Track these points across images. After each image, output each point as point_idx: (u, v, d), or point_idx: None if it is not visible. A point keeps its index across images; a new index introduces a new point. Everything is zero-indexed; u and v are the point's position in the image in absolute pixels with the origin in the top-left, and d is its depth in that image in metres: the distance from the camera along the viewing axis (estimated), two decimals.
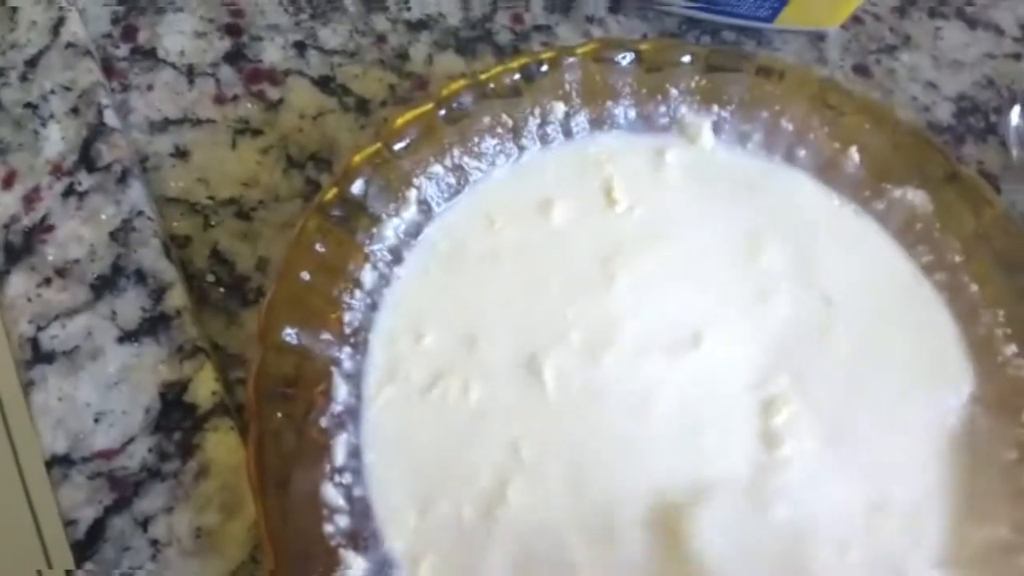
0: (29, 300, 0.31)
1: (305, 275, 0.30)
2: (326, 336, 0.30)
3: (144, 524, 0.28)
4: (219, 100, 0.38)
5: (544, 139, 0.35)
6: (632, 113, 0.36)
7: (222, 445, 0.29)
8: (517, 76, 0.35)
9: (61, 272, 0.31)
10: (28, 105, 0.35)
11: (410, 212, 0.33)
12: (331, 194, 0.31)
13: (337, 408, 0.29)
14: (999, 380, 0.32)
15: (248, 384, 0.27)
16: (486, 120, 0.34)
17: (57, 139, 0.34)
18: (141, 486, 0.28)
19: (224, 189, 0.36)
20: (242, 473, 0.29)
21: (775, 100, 0.36)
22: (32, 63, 0.36)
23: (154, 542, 0.28)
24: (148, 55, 0.39)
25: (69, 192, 0.33)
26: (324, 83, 0.39)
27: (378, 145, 0.32)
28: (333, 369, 0.29)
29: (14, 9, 0.37)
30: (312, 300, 0.30)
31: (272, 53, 0.39)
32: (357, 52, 0.40)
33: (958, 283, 0.34)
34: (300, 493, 0.27)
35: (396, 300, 0.32)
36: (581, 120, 0.36)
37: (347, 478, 0.28)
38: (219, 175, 0.36)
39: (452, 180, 0.34)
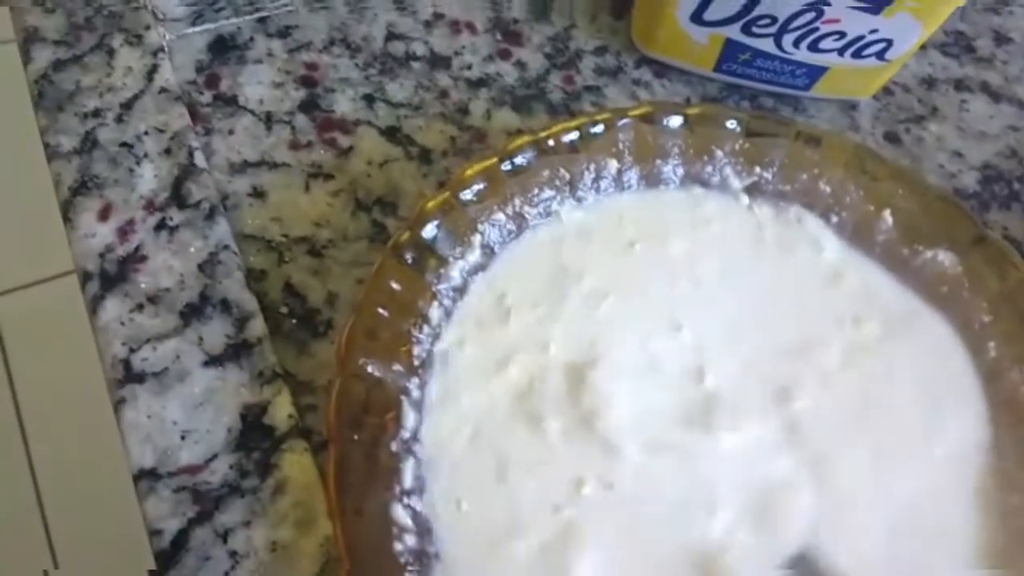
0: (122, 324, 0.33)
1: (381, 311, 0.32)
2: (397, 367, 0.32)
3: (224, 536, 0.30)
4: (294, 146, 0.41)
5: (599, 191, 0.38)
6: (680, 171, 0.39)
7: (297, 465, 0.31)
8: (575, 134, 0.38)
9: (153, 299, 0.34)
10: (123, 144, 0.38)
11: (475, 255, 0.35)
12: (405, 237, 0.34)
13: (406, 434, 0.31)
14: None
15: (329, 409, 0.30)
16: (545, 173, 0.37)
17: (150, 177, 0.37)
18: (222, 500, 0.31)
19: (297, 228, 0.38)
20: (315, 492, 0.31)
21: (813, 164, 0.39)
22: (127, 106, 0.39)
23: (233, 553, 0.30)
24: (230, 102, 0.42)
25: (161, 226, 0.36)
26: (391, 133, 0.42)
27: (447, 194, 0.35)
28: (403, 398, 0.32)
29: (111, 54, 0.40)
30: (385, 334, 0.32)
31: (343, 104, 0.43)
32: (421, 106, 0.43)
33: (983, 343, 0.36)
34: (373, 513, 0.29)
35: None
36: (632, 176, 0.38)
37: (414, 500, 0.30)
38: (293, 215, 0.39)
39: (512, 227, 0.36)
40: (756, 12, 0.40)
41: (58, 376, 1.08)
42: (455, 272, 0.35)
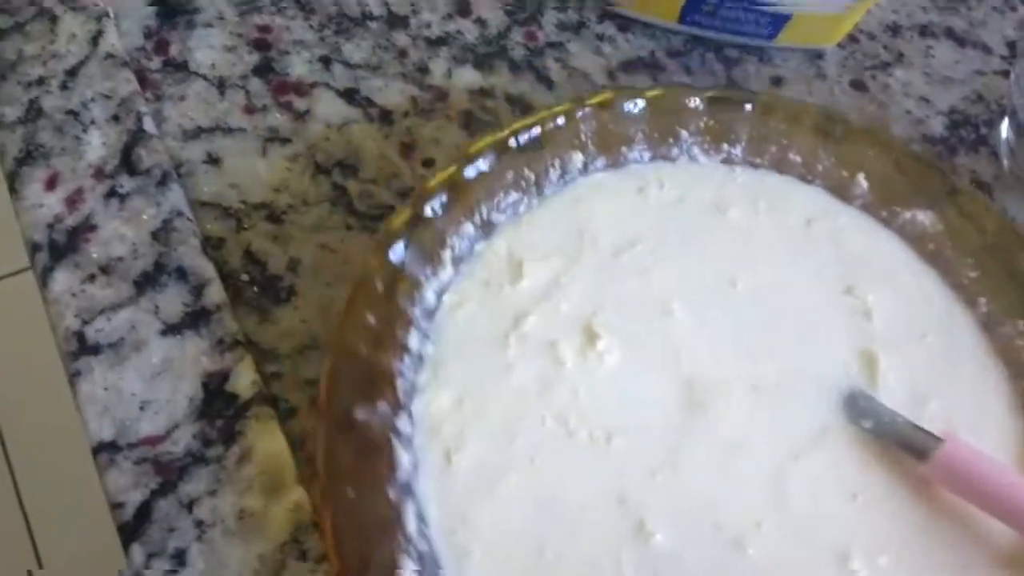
0: (74, 295, 0.32)
1: (360, 349, 0.30)
2: (383, 406, 0.30)
3: (189, 506, 0.29)
4: (249, 110, 0.40)
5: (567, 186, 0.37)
6: (647, 156, 0.38)
7: (263, 432, 0.31)
8: (536, 130, 0.36)
9: (105, 269, 0.33)
10: (69, 112, 0.37)
11: (446, 273, 0.33)
12: (374, 264, 0.32)
13: (402, 477, 0.29)
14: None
15: (318, 464, 0.28)
16: (509, 176, 0.35)
17: (98, 144, 0.36)
18: (186, 470, 0.30)
19: (255, 194, 0.37)
20: (283, 458, 0.30)
21: (780, 134, 0.38)
22: (72, 72, 0.38)
23: (199, 523, 0.29)
24: (180, 67, 0.40)
25: (111, 194, 0.35)
26: (349, 95, 0.41)
27: (411, 210, 0.33)
28: (392, 437, 0.29)
29: (54, 21, 0.39)
30: (366, 373, 0.30)
31: (299, 67, 0.41)
32: (380, 66, 0.42)
33: (974, 298, 0.36)
34: (381, 568, 0.27)
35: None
36: (599, 166, 0.37)
37: (423, 546, 0.28)
38: (250, 181, 0.38)
39: (481, 236, 0.35)
40: None
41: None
42: (429, 294, 0.33)
